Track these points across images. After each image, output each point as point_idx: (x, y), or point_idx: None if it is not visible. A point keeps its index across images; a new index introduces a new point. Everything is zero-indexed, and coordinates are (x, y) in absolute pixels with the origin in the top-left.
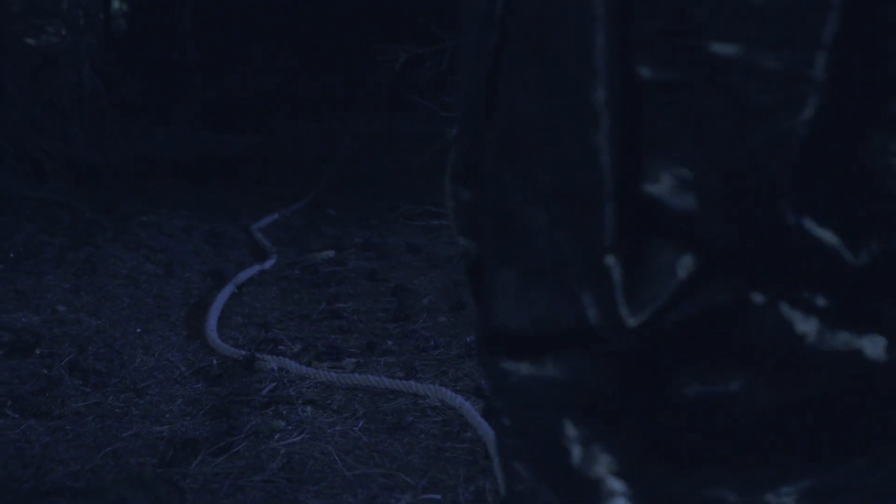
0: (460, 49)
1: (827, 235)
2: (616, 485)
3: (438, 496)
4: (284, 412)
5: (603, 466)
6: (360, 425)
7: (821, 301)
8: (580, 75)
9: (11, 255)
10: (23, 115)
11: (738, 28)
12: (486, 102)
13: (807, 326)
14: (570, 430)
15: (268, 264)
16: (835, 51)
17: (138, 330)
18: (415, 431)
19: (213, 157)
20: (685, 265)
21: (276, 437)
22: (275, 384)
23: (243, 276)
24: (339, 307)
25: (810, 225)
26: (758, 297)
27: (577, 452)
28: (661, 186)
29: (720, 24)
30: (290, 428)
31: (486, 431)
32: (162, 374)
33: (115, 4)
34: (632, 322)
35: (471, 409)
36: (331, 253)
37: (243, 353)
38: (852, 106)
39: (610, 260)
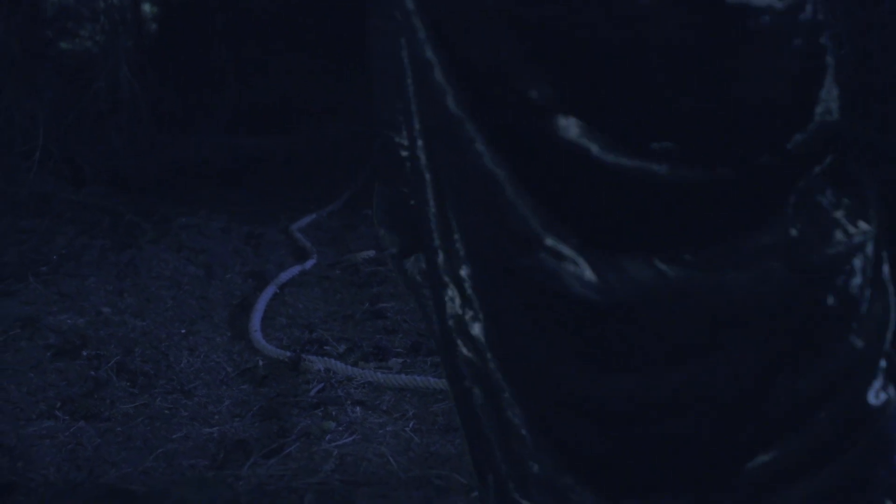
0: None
1: None
2: None
3: None
4: (334, 413)
5: None
6: (410, 426)
7: None
8: None
9: (55, 257)
10: (61, 120)
11: None
12: None
13: None
14: None
15: (308, 264)
16: None
17: (183, 331)
18: None
19: (247, 159)
20: None
21: (328, 438)
22: (322, 385)
23: (284, 276)
24: (382, 307)
25: None
26: None
27: None
28: None
29: None
30: (340, 429)
31: None
32: (208, 376)
33: (146, 7)
34: None
35: None
36: (371, 252)
37: (289, 353)
38: None
39: None
